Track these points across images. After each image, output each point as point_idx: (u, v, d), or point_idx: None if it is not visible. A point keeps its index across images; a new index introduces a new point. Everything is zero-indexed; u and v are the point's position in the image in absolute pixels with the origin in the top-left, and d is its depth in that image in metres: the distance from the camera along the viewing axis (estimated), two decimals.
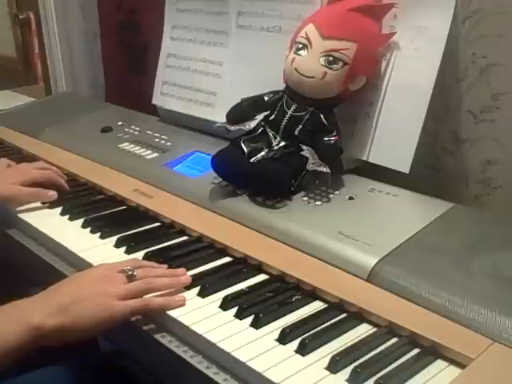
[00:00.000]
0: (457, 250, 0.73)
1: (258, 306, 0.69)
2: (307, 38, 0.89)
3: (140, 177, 1.04)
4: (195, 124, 1.21)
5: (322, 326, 0.66)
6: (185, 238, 0.88)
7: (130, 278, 0.71)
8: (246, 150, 0.91)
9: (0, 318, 0.66)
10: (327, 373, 0.59)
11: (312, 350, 0.62)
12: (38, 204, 1.00)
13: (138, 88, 1.44)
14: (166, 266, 0.78)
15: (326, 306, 0.71)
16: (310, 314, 0.69)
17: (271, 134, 0.92)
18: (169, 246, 0.85)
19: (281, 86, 0.95)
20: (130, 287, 0.70)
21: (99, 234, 0.89)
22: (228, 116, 0.96)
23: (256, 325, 0.66)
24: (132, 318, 0.69)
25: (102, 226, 0.90)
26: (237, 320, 0.68)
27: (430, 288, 0.66)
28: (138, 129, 1.25)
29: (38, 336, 0.64)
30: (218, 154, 0.92)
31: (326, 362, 0.60)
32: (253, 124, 0.95)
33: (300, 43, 0.90)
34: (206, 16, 1.20)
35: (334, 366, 0.59)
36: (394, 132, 0.91)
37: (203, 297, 0.72)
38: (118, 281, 0.71)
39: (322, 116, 0.89)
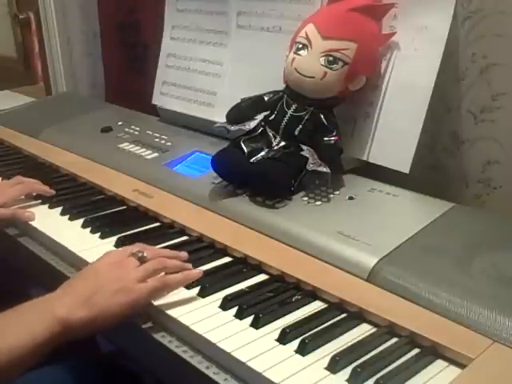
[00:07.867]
0: (457, 250, 0.73)
1: (258, 306, 0.69)
2: (307, 38, 0.89)
3: (140, 177, 1.03)
4: (195, 124, 1.21)
5: (322, 326, 0.66)
6: (185, 237, 0.88)
7: (142, 260, 0.72)
8: (245, 150, 0.91)
9: (27, 312, 0.66)
10: (327, 373, 0.59)
11: (312, 350, 0.62)
12: (38, 204, 1.00)
13: (138, 88, 1.44)
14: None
15: (326, 306, 0.71)
16: (309, 313, 0.69)
17: (271, 134, 0.92)
18: (169, 245, 0.85)
19: (281, 86, 0.95)
20: (146, 268, 0.71)
21: (99, 233, 0.89)
22: (228, 116, 0.96)
23: (256, 325, 0.66)
24: (154, 299, 0.70)
25: (101, 225, 0.90)
26: (237, 320, 0.68)
27: (429, 288, 0.66)
28: (137, 129, 1.25)
29: (66, 329, 0.64)
30: (217, 154, 0.92)
31: (325, 362, 0.60)
32: (253, 124, 0.95)
33: (300, 43, 0.90)
34: (205, 16, 1.20)
35: (334, 366, 0.59)
36: (394, 132, 0.91)
37: (203, 297, 0.72)
38: (131, 264, 0.71)
39: (322, 116, 0.90)
